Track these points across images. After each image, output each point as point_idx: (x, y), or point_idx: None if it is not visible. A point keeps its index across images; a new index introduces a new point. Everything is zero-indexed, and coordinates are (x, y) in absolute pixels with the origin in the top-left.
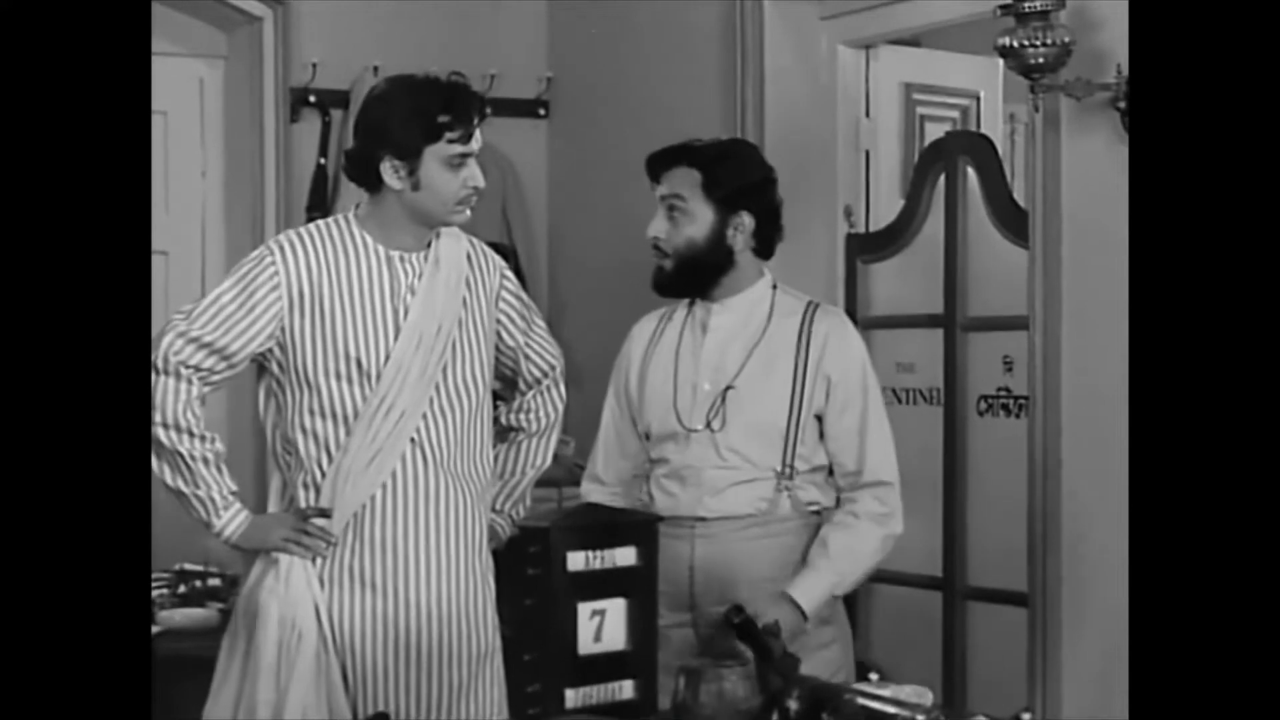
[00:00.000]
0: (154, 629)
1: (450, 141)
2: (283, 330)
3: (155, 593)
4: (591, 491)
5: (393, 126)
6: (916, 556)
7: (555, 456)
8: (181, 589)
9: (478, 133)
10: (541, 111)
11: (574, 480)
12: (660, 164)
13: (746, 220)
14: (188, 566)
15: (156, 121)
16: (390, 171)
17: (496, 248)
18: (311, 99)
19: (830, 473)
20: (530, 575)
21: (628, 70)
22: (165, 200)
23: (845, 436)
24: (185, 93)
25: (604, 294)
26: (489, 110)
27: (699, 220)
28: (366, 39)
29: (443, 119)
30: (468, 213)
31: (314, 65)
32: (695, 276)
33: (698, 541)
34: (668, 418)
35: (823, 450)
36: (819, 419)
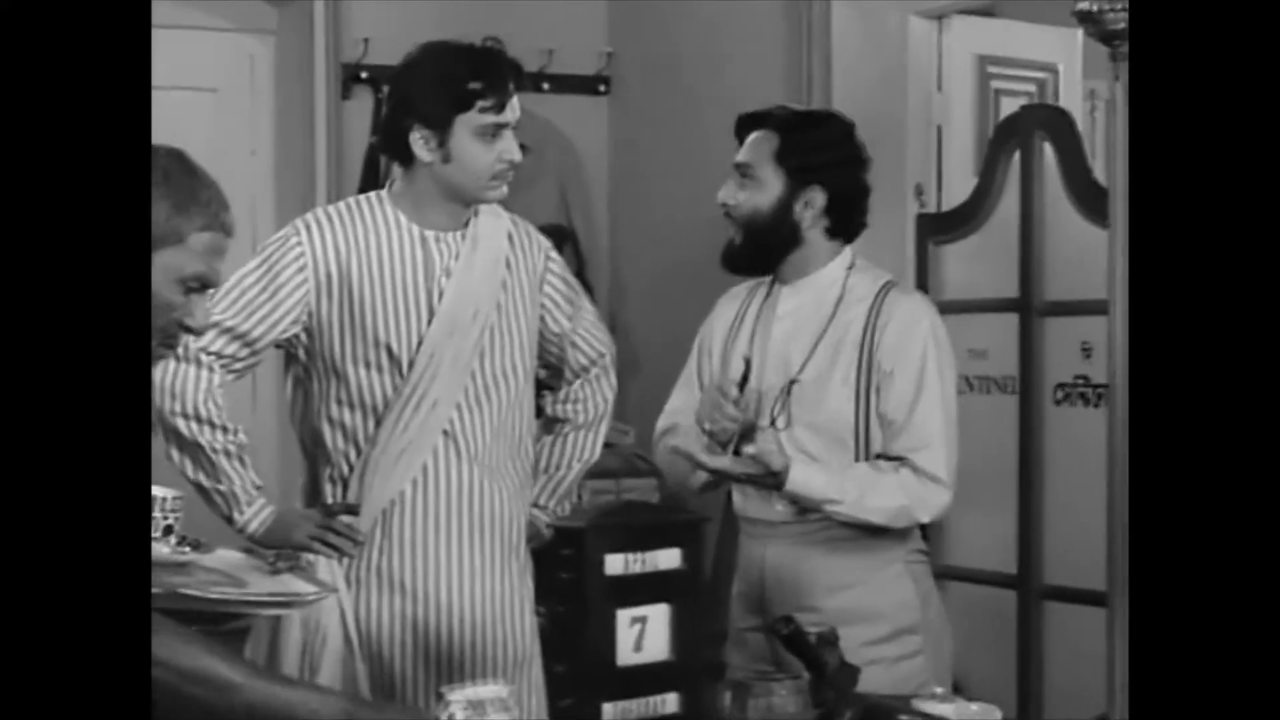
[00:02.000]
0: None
1: (482, 111)
2: (309, 315)
3: None
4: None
5: (421, 94)
6: (990, 553)
7: (612, 446)
8: None
9: (514, 102)
10: (602, 88)
11: (633, 471)
12: (745, 126)
13: (817, 197)
14: None
15: (206, 99)
16: (420, 143)
17: (556, 230)
18: (363, 75)
19: None
20: (564, 579)
21: (690, 44)
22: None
23: (891, 430)
24: (236, 69)
25: (667, 277)
26: (545, 86)
27: (767, 189)
28: (420, 13)
29: (474, 86)
30: (504, 189)
31: (366, 41)
32: (761, 252)
33: (769, 544)
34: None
35: None
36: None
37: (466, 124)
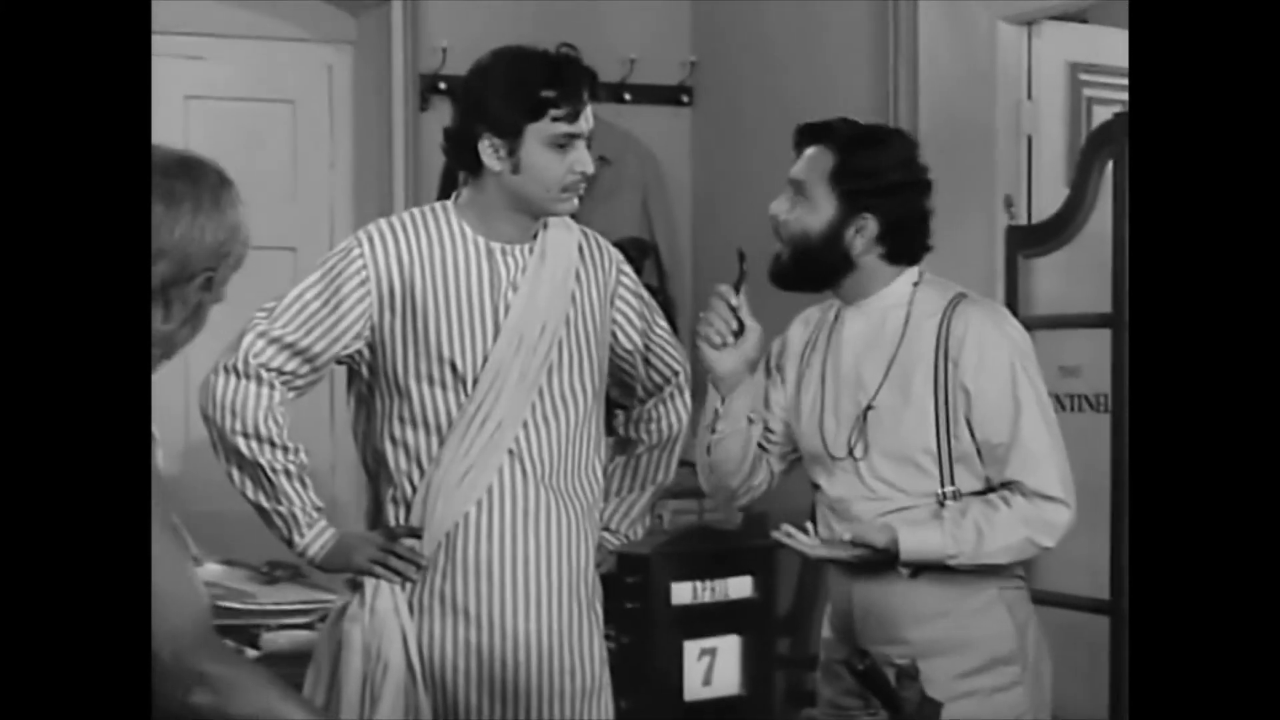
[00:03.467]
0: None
1: (555, 120)
2: (371, 330)
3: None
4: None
5: (492, 101)
6: (1081, 577)
7: (695, 465)
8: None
9: (587, 112)
10: (685, 98)
11: None
12: (803, 138)
13: (870, 224)
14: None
15: (284, 111)
16: (489, 151)
17: (637, 243)
18: (442, 85)
19: None
20: (629, 609)
21: (775, 53)
22: (293, 193)
23: (995, 455)
24: (313, 81)
25: (753, 292)
26: (626, 96)
27: (819, 211)
28: (499, 22)
29: (547, 94)
30: (575, 201)
31: (444, 50)
32: (808, 272)
33: (857, 574)
34: (814, 440)
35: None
36: (973, 435)
37: (538, 133)
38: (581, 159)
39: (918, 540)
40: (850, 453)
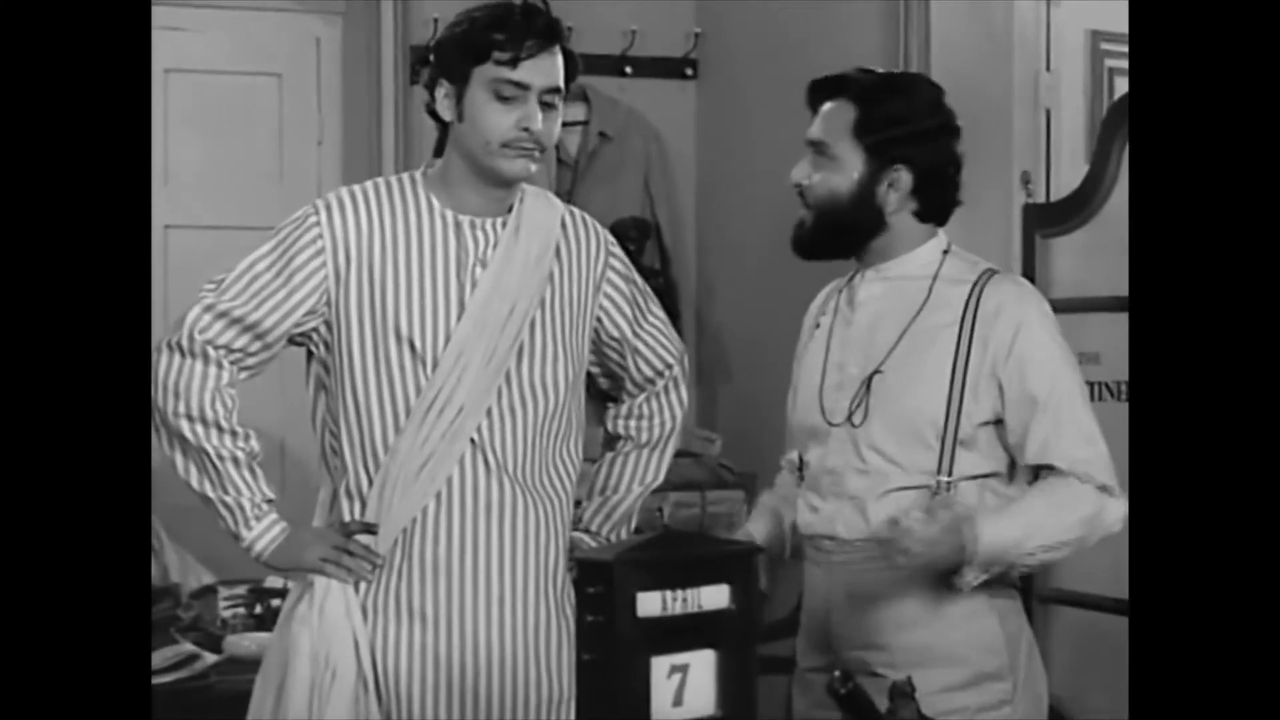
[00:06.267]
0: (215, 657)
1: (498, 64)
2: (327, 304)
3: (228, 613)
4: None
5: (447, 47)
6: (1100, 576)
7: (697, 456)
8: (258, 609)
9: (544, 66)
10: (689, 71)
11: (719, 483)
12: (817, 95)
13: (903, 177)
14: (268, 584)
15: (270, 85)
16: (443, 100)
17: (638, 223)
18: (433, 58)
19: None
20: (590, 622)
21: (782, 25)
22: (279, 170)
23: (1030, 445)
24: (301, 53)
25: (758, 274)
26: (627, 69)
27: (845, 168)
28: None
29: (495, 36)
30: (526, 165)
31: (435, 21)
32: (837, 237)
33: (835, 568)
34: (812, 409)
35: (999, 457)
36: (998, 422)
37: (482, 78)
38: (530, 115)
39: (994, 528)
40: (849, 419)
